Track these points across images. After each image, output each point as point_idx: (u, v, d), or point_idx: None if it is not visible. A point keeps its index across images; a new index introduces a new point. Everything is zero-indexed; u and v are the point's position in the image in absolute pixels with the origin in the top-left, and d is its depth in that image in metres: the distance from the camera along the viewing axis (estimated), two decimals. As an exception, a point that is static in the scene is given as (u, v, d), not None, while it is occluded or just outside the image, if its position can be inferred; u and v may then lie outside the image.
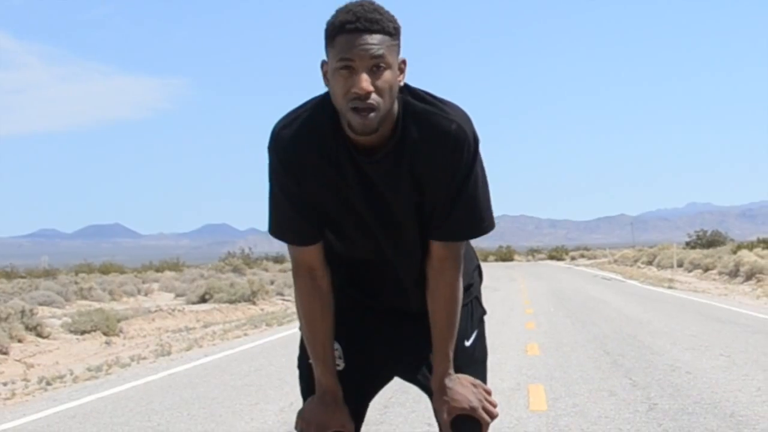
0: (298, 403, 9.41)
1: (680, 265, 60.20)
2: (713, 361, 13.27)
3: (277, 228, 3.38)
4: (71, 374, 14.27)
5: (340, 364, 3.48)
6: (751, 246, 55.30)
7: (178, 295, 37.89)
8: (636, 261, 78.01)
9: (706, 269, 52.66)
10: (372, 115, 3.11)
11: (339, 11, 3.14)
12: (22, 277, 43.02)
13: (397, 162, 3.23)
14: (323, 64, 3.20)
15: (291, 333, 21.12)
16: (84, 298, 33.63)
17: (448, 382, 3.42)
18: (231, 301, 31.59)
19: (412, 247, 3.37)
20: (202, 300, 32.69)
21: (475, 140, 3.26)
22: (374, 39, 3.10)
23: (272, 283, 38.66)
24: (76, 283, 36.01)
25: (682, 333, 17.71)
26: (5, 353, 17.45)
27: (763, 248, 52.04)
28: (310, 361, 3.45)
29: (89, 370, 14.77)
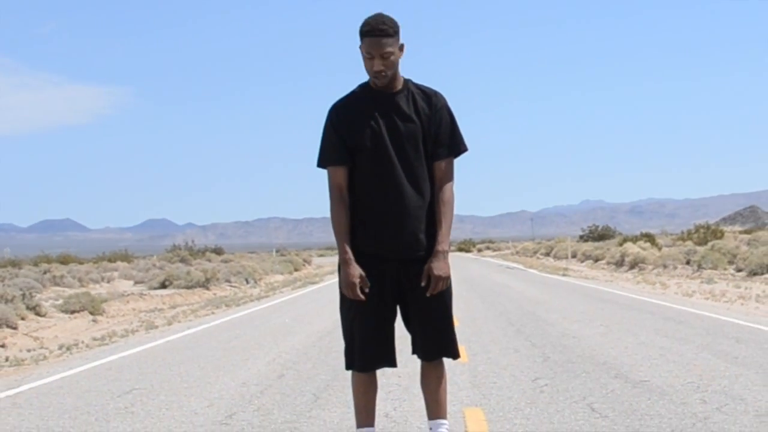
0: (279, 359, 11.70)
1: (574, 256, 62.75)
2: (594, 329, 15.52)
3: (323, 156, 5.75)
4: (83, 343, 16.14)
5: (368, 287, 5.59)
6: (635, 239, 57.64)
7: (137, 282, 39.25)
8: (535, 252, 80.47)
9: (597, 259, 55.08)
10: (383, 79, 5.67)
11: (365, 23, 5.60)
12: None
13: (407, 103, 5.72)
14: (361, 46, 5.68)
15: (252, 311, 23.10)
16: (57, 284, 35.03)
17: (438, 256, 5.57)
18: (188, 287, 33.26)
19: (417, 166, 5.65)
20: (163, 286, 34.28)
21: (447, 102, 5.83)
22: (383, 41, 5.58)
23: (218, 272, 40.27)
24: (48, 271, 37.35)
25: (572, 310, 19.99)
26: (15, 328, 19.15)
27: (645, 241, 54.50)
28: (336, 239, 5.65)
29: (95, 339, 16.66)
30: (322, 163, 5.72)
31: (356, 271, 5.55)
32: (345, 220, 5.64)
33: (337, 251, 5.70)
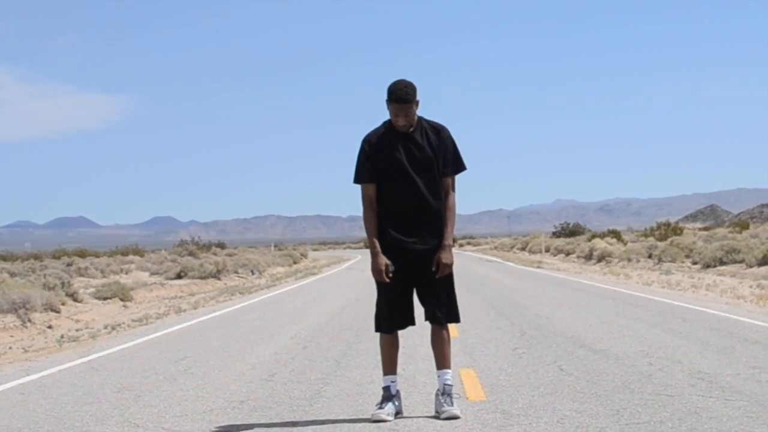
0: (300, 335, 13.22)
1: (547, 250, 64.09)
2: (564, 312, 16.94)
3: (359, 175, 7.22)
4: (125, 324, 17.46)
5: (393, 269, 7.04)
6: (603, 236, 59.11)
7: (152, 274, 40.40)
8: (512, 247, 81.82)
9: (568, 254, 56.41)
10: (405, 129, 7.13)
11: (391, 90, 7.04)
12: (14, 260, 45.17)
13: (421, 137, 7.19)
14: (388, 106, 7.13)
15: (264, 298, 24.41)
16: (82, 275, 36.27)
17: (445, 249, 7.06)
18: (201, 278, 34.52)
19: (430, 182, 7.11)
20: (178, 276, 35.53)
21: (451, 133, 7.32)
22: (406, 106, 7.07)
23: (227, 264, 41.39)
24: (72, 264, 38.59)
25: (545, 296, 21.41)
26: (58, 312, 20.46)
27: (612, 237, 55.98)
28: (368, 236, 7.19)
29: (134, 321, 17.98)
30: (357, 181, 7.20)
31: (383, 260, 7.02)
32: (374, 222, 7.11)
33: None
